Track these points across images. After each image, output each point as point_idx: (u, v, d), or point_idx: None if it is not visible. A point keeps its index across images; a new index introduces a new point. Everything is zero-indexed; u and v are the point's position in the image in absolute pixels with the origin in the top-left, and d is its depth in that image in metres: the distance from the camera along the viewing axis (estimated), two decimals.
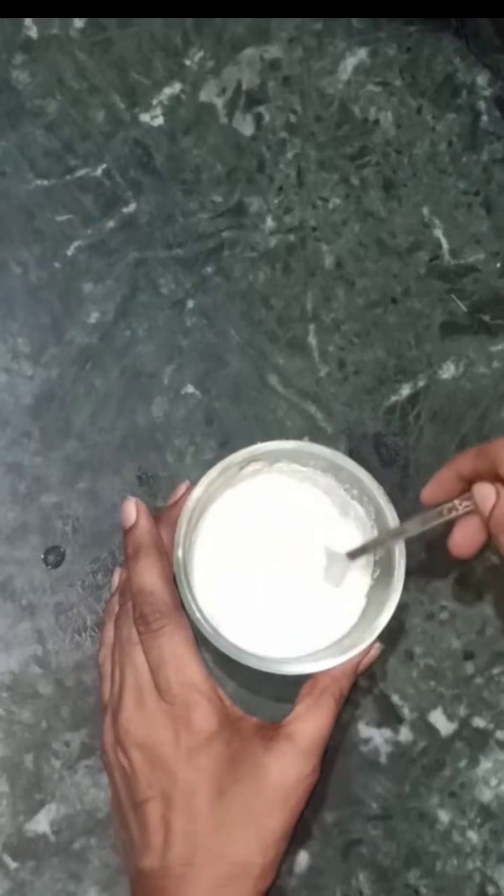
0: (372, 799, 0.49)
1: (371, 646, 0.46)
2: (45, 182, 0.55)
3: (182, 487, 0.49)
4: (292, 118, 0.56)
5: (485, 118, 0.56)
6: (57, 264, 0.54)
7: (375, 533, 0.48)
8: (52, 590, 0.51)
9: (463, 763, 0.49)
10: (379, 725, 0.50)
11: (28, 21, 0.56)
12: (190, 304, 0.54)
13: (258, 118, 0.56)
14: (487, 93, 0.56)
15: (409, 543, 0.46)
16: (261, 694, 0.49)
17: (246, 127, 0.56)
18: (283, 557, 0.48)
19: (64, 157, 0.55)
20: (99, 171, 0.55)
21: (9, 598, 0.51)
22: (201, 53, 0.56)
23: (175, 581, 0.46)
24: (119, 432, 0.53)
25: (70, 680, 0.50)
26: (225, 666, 0.49)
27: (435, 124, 0.56)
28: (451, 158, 0.56)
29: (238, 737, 0.44)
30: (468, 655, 0.50)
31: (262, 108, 0.56)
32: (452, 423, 0.53)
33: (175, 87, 0.56)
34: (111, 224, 0.55)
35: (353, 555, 0.47)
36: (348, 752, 0.49)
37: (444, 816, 0.49)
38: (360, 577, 0.48)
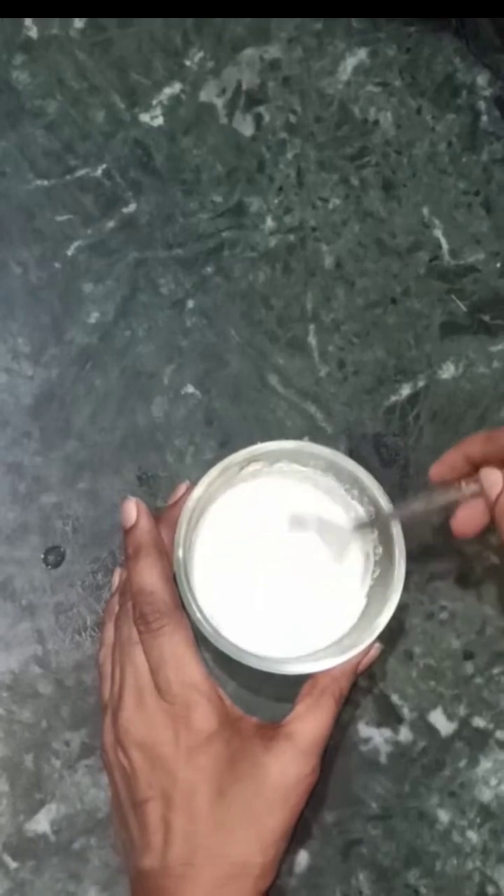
0: (372, 799, 0.49)
1: (371, 646, 0.46)
2: (45, 182, 0.55)
3: (182, 487, 0.49)
4: (292, 118, 0.56)
5: (485, 118, 0.56)
6: (57, 264, 0.54)
7: (375, 532, 0.48)
8: (52, 590, 0.51)
9: (463, 763, 0.49)
10: (379, 725, 0.50)
11: (28, 21, 0.56)
12: (190, 304, 0.54)
13: (258, 118, 0.56)
14: (487, 93, 0.56)
15: (410, 543, 0.46)
16: (261, 694, 0.49)
17: (246, 127, 0.56)
18: (283, 557, 0.48)
19: (64, 157, 0.55)
20: (99, 172, 0.55)
21: (9, 598, 0.51)
22: (201, 54, 0.56)
23: (175, 581, 0.46)
24: (119, 432, 0.53)
25: (70, 680, 0.50)
26: (225, 666, 0.49)
27: (435, 124, 0.56)
28: (450, 158, 0.56)
29: (238, 736, 0.44)
30: (468, 655, 0.50)
31: (261, 109, 0.56)
32: (452, 423, 0.53)
33: (175, 88, 0.56)
34: (111, 224, 0.55)
35: (358, 528, 0.47)
36: (348, 751, 0.50)
37: (443, 816, 0.49)
38: (359, 576, 0.48)
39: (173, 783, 0.43)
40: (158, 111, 0.56)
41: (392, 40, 0.56)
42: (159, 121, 0.56)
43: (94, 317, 0.54)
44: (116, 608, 0.48)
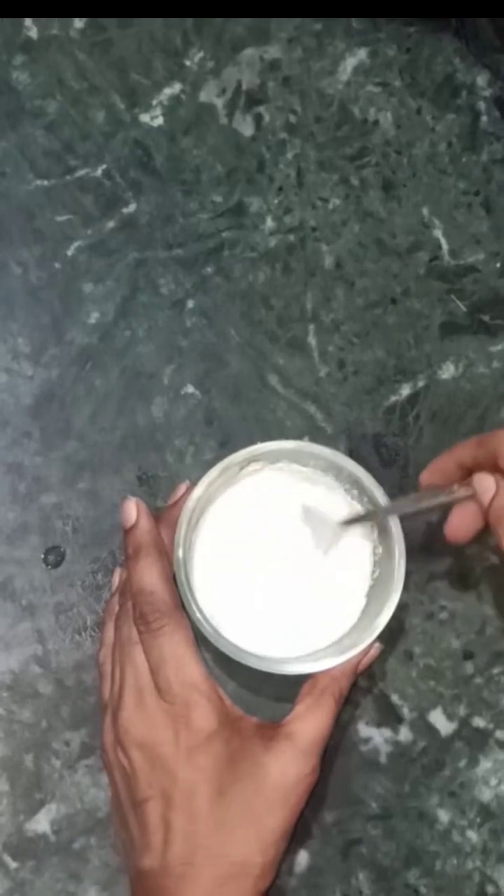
0: (372, 798, 0.49)
1: (371, 645, 0.46)
2: (45, 182, 0.55)
3: (182, 487, 0.49)
4: (292, 118, 0.56)
5: (484, 118, 0.56)
6: (57, 264, 0.54)
7: (375, 532, 0.48)
8: (52, 590, 0.51)
9: (463, 763, 0.50)
10: (379, 725, 0.50)
11: (28, 21, 0.56)
12: (190, 304, 0.54)
13: (258, 118, 0.56)
14: (487, 93, 0.56)
15: (409, 543, 0.46)
16: (261, 694, 0.49)
17: (246, 127, 0.56)
18: (283, 557, 0.48)
19: (64, 157, 0.55)
20: (99, 172, 0.55)
21: (9, 598, 0.51)
22: (201, 54, 0.56)
23: (175, 581, 0.46)
24: (119, 432, 0.53)
25: (70, 680, 0.50)
26: (225, 666, 0.49)
27: (435, 125, 0.56)
28: (450, 159, 0.56)
29: (238, 736, 0.44)
30: (468, 655, 0.50)
31: (261, 109, 0.56)
32: (452, 423, 0.53)
33: (175, 88, 0.56)
34: (111, 224, 0.55)
35: (346, 523, 0.47)
36: (348, 751, 0.50)
37: (443, 816, 0.49)
38: (359, 576, 0.49)
39: (173, 783, 0.43)
40: (158, 111, 0.56)
41: (392, 40, 0.56)
42: (159, 121, 0.56)
43: (94, 317, 0.54)
44: (116, 608, 0.48)
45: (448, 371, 0.54)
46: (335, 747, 0.49)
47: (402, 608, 0.48)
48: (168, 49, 0.56)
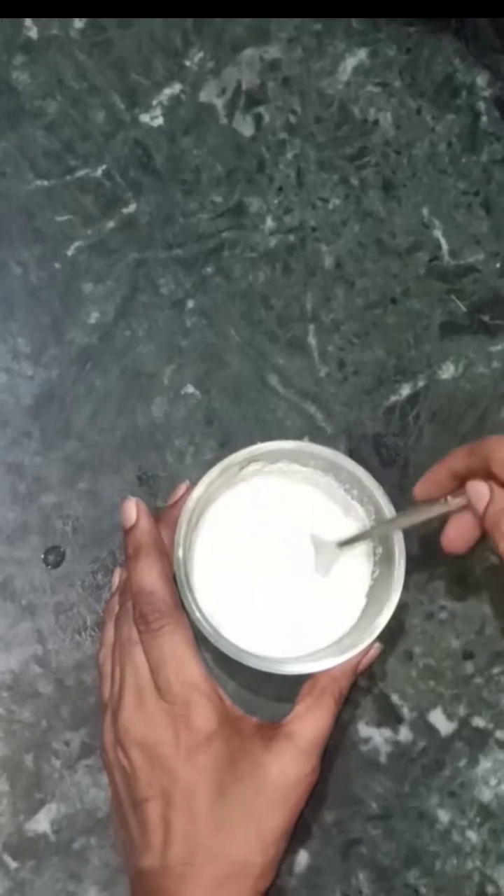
0: (371, 798, 0.49)
1: (371, 645, 0.46)
2: (45, 182, 0.55)
3: (182, 487, 0.49)
4: (292, 119, 0.56)
5: (484, 119, 0.56)
6: (57, 264, 0.54)
7: (370, 542, 0.48)
8: (52, 590, 0.51)
9: (462, 763, 0.50)
10: (378, 725, 0.50)
11: (28, 22, 0.56)
12: (190, 304, 0.54)
13: (258, 119, 0.56)
14: (487, 93, 0.56)
15: (409, 543, 0.46)
16: (261, 694, 0.49)
17: (246, 127, 0.56)
18: (284, 557, 0.48)
19: (64, 157, 0.55)
20: (99, 172, 0.55)
21: (9, 598, 0.51)
22: (201, 54, 0.56)
23: (175, 581, 0.46)
24: (119, 432, 0.53)
25: (70, 679, 0.50)
26: (225, 666, 0.49)
27: (434, 125, 0.56)
28: (450, 159, 0.56)
29: (238, 736, 0.44)
30: (468, 655, 0.51)
31: (261, 109, 0.56)
32: (452, 423, 0.53)
33: (175, 88, 0.56)
34: (111, 224, 0.55)
35: (344, 544, 0.47)
36: (348, 751, 0.50)
37: (443, 816, 0.49)
38: (359, 576, 0.49)
39: (173, 783, 0.43)
40: (158, 111, 0.56)
41: (392, 41, 0.56)
42: (159, 121, 0.56)
43: (94, 317, 0.54)
44: (116, 608, 0.48)
45: (448, 371, 0.54)
46: (335, 747, 0.49)
47: (402, 608, 0.48)
48: (168, 49, 0.56)
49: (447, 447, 0.52)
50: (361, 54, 0.56)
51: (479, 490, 0.42)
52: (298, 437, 0.52)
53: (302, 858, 0.49)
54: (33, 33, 0.56)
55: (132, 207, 0.55)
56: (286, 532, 0.49)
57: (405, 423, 0.53)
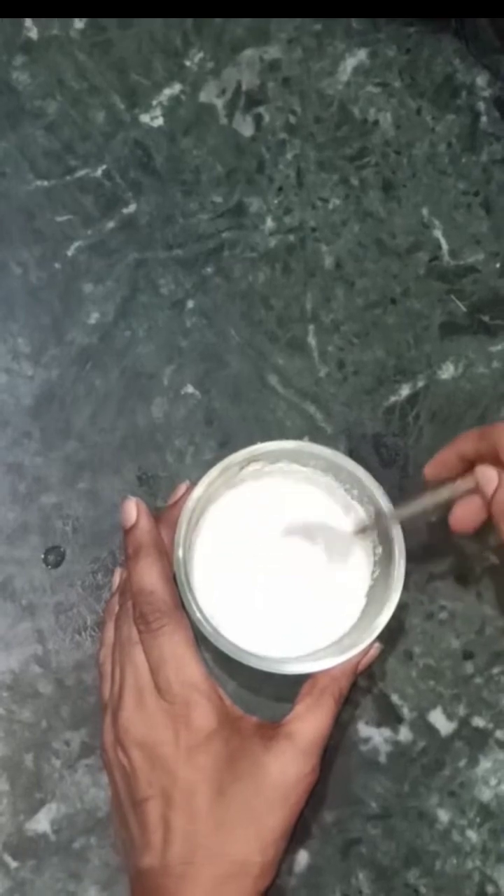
0: (371, 798, 0.49)
1: (371, 645, 0.46)
2: (46, 183, 0.55)
3: (182, 487, 0.49)
4: (292, 119, 0.56)
5: (484, 119, 0.56)
6: (57, 265, 0.54)
7: (375, 532, 0.48)
8: (52, 590, 0.51)
9: (462, 762, 0.50)
10: (378, 725, 0.50)
11: (28, 22, 0.56)
12: (190, 304, 0.54)
13: (258, 119, 0.56)
14: (487, 94, 0.56)
15: (409, 543, 0.46)
16: (261, 694, 0.49)
17: (246, 128, 0.56)
18: (283, 557, 0.48)
19: (64, 157, 0.55)
20: (99, 172, 0.55)
21: (9, 598, 0.51)
22: (201, 54, 0.56)
23: (175, 581, 0.47)
24: (119, 432, 0.53)
25: (70, 679, 0.50)
26: (225, 666, 0.49)
27: (434, 125, 0.56)
28: (450, 159, 0.56)
29: (237, 736, 0.44)
30: (467, 655, 0.51)
31: (261, 109, 0.56)
32: (452, 423, 0.53)
33: (175, 88, 0.56)
34: (111, 225, 0.55)
35: (359, 532, 0.47)
36: (348, 751, 0.50)
37: (443, 816, 0.49)
38: (359, 576, 0.49)
39: (173, 782, 0.43)
40: (158, 112, 0.56)
41: (392, 41, 0.56)
42: (159, 121, 0.56)
43: (94, 317, 0.54)
44: (116, 608, 0.48)
45: (448, 371, 0.54)
46: (335, 747, 0.49)
47: (402, 608, 0.48)
48: (168, 49, 0.56)
49: None
50: (361, 54, 0.56)
51: (489, 475, 0.42)
52: (298, 437, 0.52)
53: (302, 858, 0.49)
54: (33, 33, 0.56)
55: (132, 207, 0.55)
56: (286, 532, 0.49)
57: (405, 423, 0.53)
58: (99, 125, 0.55)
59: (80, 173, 0.55)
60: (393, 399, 0.53)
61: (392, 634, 0.50)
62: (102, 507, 0.52)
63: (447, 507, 0.45)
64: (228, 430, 0.53)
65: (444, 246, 0.55)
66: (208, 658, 0.48)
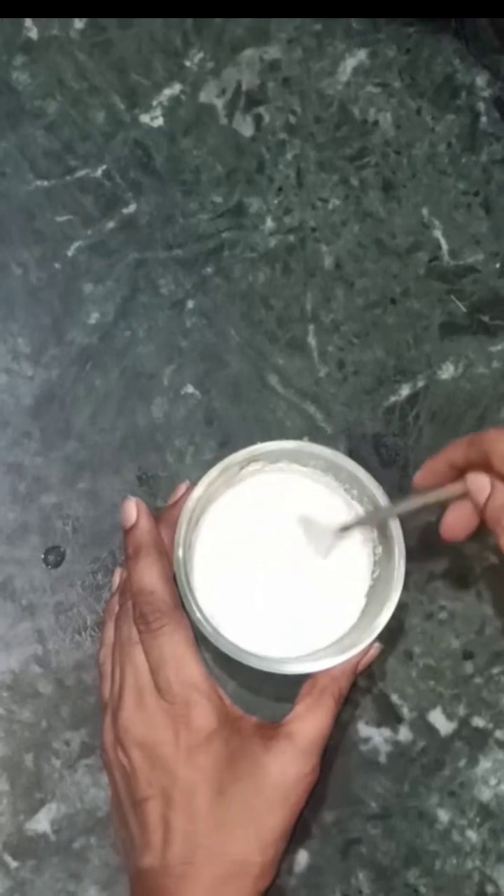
0: (371, 798, 0.49)
1: (370, 645, 0.46)
2: (46, 183, 0.55)
3: (182, 487, 0.49)
4: (292, 119, 0.56)
5: (484, 119, 0.56)
6: (57, 265, 0.54)
7: (375, 532, 0.48)
8: (52, 590, 0.51)
9: (462, 762, 0.50)
10: (378, 725, 0.50)
11: (28, 22, 0.56)
12: (190, 304, 0.54)
13: (258, 119, 0.56)
14: (487, 94, 0.56)
15: (409, 543, 0.46)
16: (261, 693, 0.49)
17: (246, 128, 0.56)
18: (283, 557, 0.48)
19: (64, 157, 0.55)
20: (99, 172, 0.55)
21: (9, 598, 0.51)
22: (201, 54, 0.56)
23: (175, 581, 0.47)
24: (119, 432, 0.53)
25: (70, 679, 0.50)
26: (225, 665, 0.49)
27: (434, 125, 0.56)
28: (450, 159, 0.56)
29: (237, 735, 0.45)
30: (467, 655, 0.51)
31: (261, 109, 0.56)
32: (452, 423, 0.53)
33: (175, 88, 0.56)
34: (111, 225, 0.55)
35: (343, 529, 0.47)
36: (348, 751, 0.50)
37: (443, 816, 0.49)
38: (359, 576, 0.49)
39: (173, 782, 0.43)
40: (158, 112, 0.56)
41: (392, 41, 0.56)
42: (159, 121, 0.56)
43: (94, 317, 0.54)
44: (116, 608, 0.48)
45: (448, 371, 0.54)
46: (335, 747, 0.49)
47: (401, 608, 0.48)
48: (168, 49, 0.56)
49: None
50: (361, 55, 0.56)
51: (480, 483, 0.42)
52: (298, 437, 0.52)
53: (302, 858, 0.49)
54: (33, 33, 0.56)
55: (132, 208, 0.55)
56: (286, 532, 0.49)
57: (405, 423, 0.53)
58: (99, 125, 0.55)
59: (80, 173, 0.55)
60: (393, 399, 0.53)
61: (392, 634, 0.50)
62: (102, 507, 0.52)
63: (440, 507, 0.45)
64: (228, 430, 0.53)
65: (444, 246, 0.55)
66: (208, 658, 0.48)
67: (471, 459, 0.42)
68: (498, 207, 0.55)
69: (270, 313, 0.54)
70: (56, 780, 0.49)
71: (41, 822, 0.49)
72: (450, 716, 0.50)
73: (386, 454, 0.53)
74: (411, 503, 0.45)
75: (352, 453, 0.52)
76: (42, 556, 0.51)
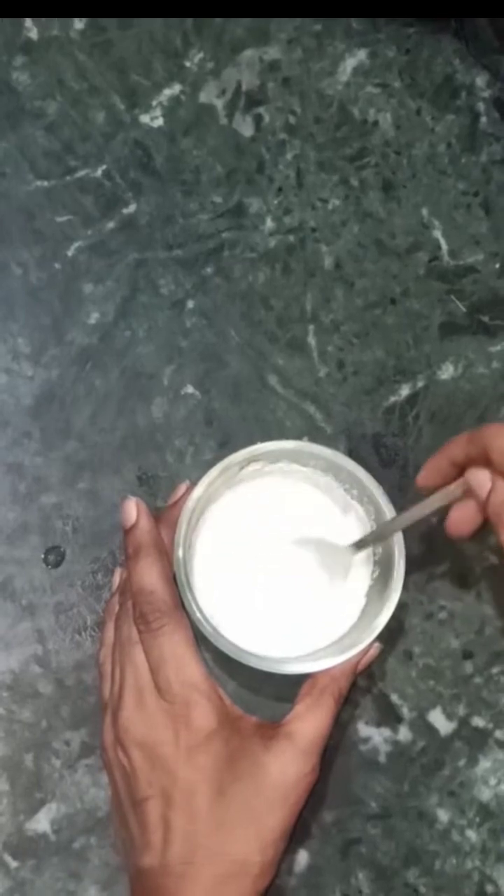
0: (371, 798, 0.49)
1: (370, 645, 0.46)
2: (46, 183, 0.55)
3: (182, 487, 0.49)
4: (292, 119, 0.56)
5: (484, 119, 0.56)
6: (57, 265, 0.54)
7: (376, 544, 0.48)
8: (52, 590, 0.51)
9: (462, 762, 0.50)
10: (378, 725, 0.50)
11: (28, 22, 0.56)
12: (190, 304, 0.54)
13: (258, 119, 0.56)
14: (486, 94, 0.56)
15: (409, 543, 0.46)
16: (261, 693, 0.49)
17: (245, 128, 0.56)
18: (284, 557, 0.48)
19: (64, 157, 0.55)
20: (99, 172, 0.55)
21: (9, 598, 0.51)
22: (201, 55, 0.56)
23: (175, 581, 0.47)
24: (119, 432, 0.53)
25: (70, 679, 0.50)
26: (225, 665, 0.49)
27: (434, 125, 0.56)
28: (450, 159, 0.56)
29: (237, 735, 0.45)
30: (467, 655, 0.51)
31: (261, 110, 0.56)
32: (451, 423, 0.53)
33: (175, 89, 0.56)
34: (111, 225, 0.55)
35: (358, 546, 0.47)
36: (348, 751, 0.50)
37: (443, 815, 0.49)
38: (360, 576, 0.49)
39: (173, 782, 0.43)
40: (158, 112, 0.56)
41: (391, 41, 0.56)
42: (159, 122, 0.56)
43: (94, 317, 0.54)
44: (116, 608, 0.48)
45: (447, 371, 0.54)
46: (335, 747, 0.49)
47: (401, 608, 0.48)
48: (168, 50, 0.56)
49: None
50: (361, 55, 0.56)
51: (481, 479, 0.42)
52: (298, 437, 0.52)
53: (301, 858, 0.49)
54: (33, 34, 0.56)
55: (132, 208, 0.55)
56: (286, 532, 0.49)
57: (405, 423, 0.53)
58: (99, 125, 0.55)
59: (80, 173, 0.55)
60: (393, 399, 0.53)
61: (392, 634, 0.50)
62: (102, 507, 0.52)
63: (442, 511, 0.45)
64: (228, 430, 0.53)
65: (444, 246, 0.55)
66: (208, 658, 0.48)
67: (471, 455, 0.42)
68: (498, 208, 0.55)
69: (270, 313, 0.54)
70: (56, 780, 0.49)
71: (41, 822, 0.49)
72: (450, 716, 0.50)
73: (386, 454, 0.53)
74: (417, 511, 0.45)
75: (352, 453, 0.52)
76: (42, 556, 0.51)
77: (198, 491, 0.47)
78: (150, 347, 0.54)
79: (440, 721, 0.50)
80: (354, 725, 0.50)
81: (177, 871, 0.43)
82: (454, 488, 0.43)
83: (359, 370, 0.54)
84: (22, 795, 0.49)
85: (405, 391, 0.53)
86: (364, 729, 0.50)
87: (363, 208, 0.55)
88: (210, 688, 0.45)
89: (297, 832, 0.46)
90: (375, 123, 0.56)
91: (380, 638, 0.46)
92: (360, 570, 0.49)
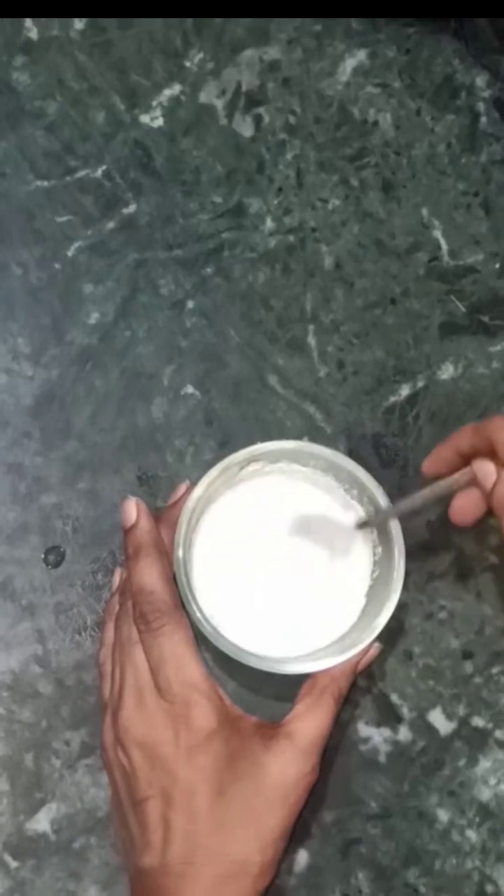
0: (371, 798, 0.49)
1: (370, 645, 0.46)
2: (46, 183, 0.55)
3: (182, 487, 0.49)
4: (292, 119, 0.56)
5: (484, 119, 0.56)
6: (57, 265, 0.54)
7: (375, 532, 0.48)
8: (52, 590, 0.51)
9: (462, 762, 0.50)
10: (378, 725, 0.50)
11: (28, 22, 0.56)
12: (190, 304, 0.54)
13: (258, 119, 0.56)
14: (486, 94, 0.56)
15: (409, 543, 0.46)
16: (261, 693, 0.49)
17: (245, 128, 0.56)
18: (283, 557, 0.48)
19: (64, 158, 0.55)
20: (99, 173, 0.55)
21: (9, 598, 0.51)
22: (201, 55, 0.56)
23: (175, 581, 0.47)
24: (119, 432, 0.53)
25: (70, 679, 0.50)
26: (225, 665, 0.49)
27: (434, 126, 0.56)
28: (450, 160, 0.56)
29: (237, 735, 0.45)
30: (467, 655, 0.51)
31: (261, 110, 0.56)
32: (451, 423, 0.53)
33: (175, 89, 0.56)
34: (111, 225, 0.55)
35: (360, 526, 0.47)
36: (347, 751, 0.50)
37: (443, 815, 0.49)
38: (359, 576, 0.49)
39: (173, 782, 0.43)
40: (158, 112, 0.56)
41: (391, 41, 0.57)
42: (159, 122, 0.56)
43: (94, 317, 0.54)
44: (116, 608, 0.48)
45: (447, 371, 0.54)
46: (335, 747, 0.49)
47: (401, 608, 0.48)
48: (168, 50, 0.56)
49: None
50: (361, 55, 0.56)
51: (487, 469, 0.42)
52: (298, 437, 0.52)
53: (301, 858, 0.49)
54: (33, 34, 0.56)
55: (132, 208, 0.55)
56: (286, 532, 0.49)
57: (405, 423, 0.53)
58: (99, 125, 0.55)
59: (80, 173, 0.55)
60: (393, 399, 0.53)
61: (392, 634, 0.50)
62: (102, 507, 0.52)
63: (445, 501, 0.45)
64: (228, 430, 0.53)
65: (444, 246, 0.55)
66: (208, 658, 0.48)
67: (476, 446, 0.43)
68: (497, 208, 0.55)
69: (270, 313, 0.54)
70: (56, 779, 0.49)
71: (41, 822, 0.49)
72: (449, 716, 0.50)
73: (386, 454, 0.53)
74: (424, 495, 0.45)
75: (352, 453, 0.52)
76: (42, 556, 0.51)
77: (198, 491, 0.47)
78: (150, 347, 0.54)
79: (440, 721, 0.50)
80: (354, 725, 0.50)
81: (177, 871, 0.43)
82: (459, 477, 0.43)
83: (359, 370, 0.54)
84: (22, 795, 0.49)
85: (405, 391, 0.54)
86: (364, 729, 0.50)
87: (363, 208, 0.55)
88: (210, 688, 0.45)
89: (297, 832, 0.46)
90: (375, 123, 0.56)
91: (380, 638, 0.46)
92: (361, 570, 0.49)
